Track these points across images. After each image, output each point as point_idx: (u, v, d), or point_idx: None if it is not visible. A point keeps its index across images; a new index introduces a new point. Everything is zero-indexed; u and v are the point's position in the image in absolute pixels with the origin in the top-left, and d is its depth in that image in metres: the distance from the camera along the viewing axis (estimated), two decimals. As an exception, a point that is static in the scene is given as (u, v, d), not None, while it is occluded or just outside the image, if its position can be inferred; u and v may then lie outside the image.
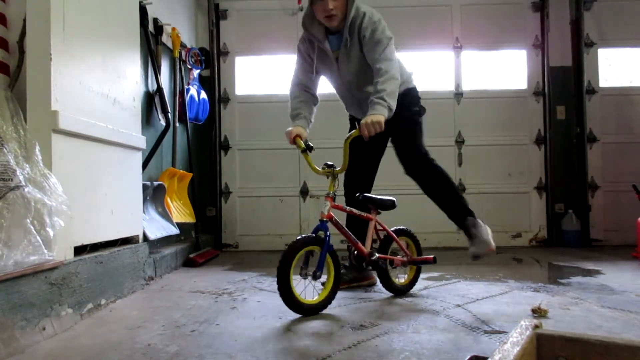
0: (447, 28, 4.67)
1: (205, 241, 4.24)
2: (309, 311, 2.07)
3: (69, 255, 2.04)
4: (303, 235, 2.11)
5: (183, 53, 4.06)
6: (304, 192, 4.68)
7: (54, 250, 1.87)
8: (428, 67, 4.73)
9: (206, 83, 4.56)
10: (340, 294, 2.50)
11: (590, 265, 3.35)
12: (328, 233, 2.16)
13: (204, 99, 4.28)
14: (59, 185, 1.91)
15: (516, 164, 4.65)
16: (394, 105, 2.23)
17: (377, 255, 2.36)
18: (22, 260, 1.69)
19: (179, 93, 3.89)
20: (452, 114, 4.65)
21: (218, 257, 4.09)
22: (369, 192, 2.61)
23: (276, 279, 2.01)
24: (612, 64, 4.74)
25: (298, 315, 2.07)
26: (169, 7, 3.92)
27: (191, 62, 4.23)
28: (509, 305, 2.23)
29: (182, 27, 4.17)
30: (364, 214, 2.42)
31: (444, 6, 4.68)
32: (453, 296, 2.43)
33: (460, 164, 4.62)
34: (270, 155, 4.70)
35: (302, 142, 2.35)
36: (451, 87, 4.69)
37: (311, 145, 2.37)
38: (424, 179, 2.48)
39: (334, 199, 2.27)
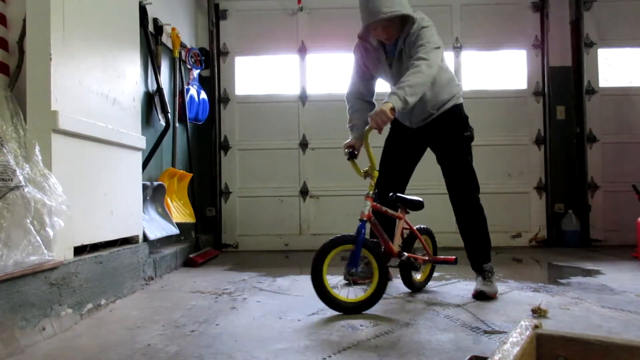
0: (447, 28, 4.66)
1: (205, 241, 4.24)
2: (347, 309, 2.10)
3: (69, 255, 2.04)
4: (332, 240, 2.16)
5: (183, 53, 4.06)
6: (304, 192, 4.68)
7: (53, 251, 1.87)
8: (428, 67, 4.72)
9: (206, 83, 4.56)
10: (341, 294, 2.50)
11: (590, 266, 3.35)
12: (363, 231, 2.19)
13: (203, 99, 4.28)
14: (58, 185, 1.91)
15: (516, 164, 4.65)
16: (411, 100, 2.16)
17: (406, 254, 2.40)
18: (22, 261, 1.69)
19: (179, 93, 3.89)
20: (452, 114, 4.64)
21: (218, 257, 4.09)
22: (402, 193, 2.63)
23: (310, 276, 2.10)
24: (612, 64, 4.74)
25: (297, 316, 2.07)
26: (169, 7, 3.92)
27: (191, 62, 4.23)
28: (509, 305, 2.23)
29: (182, 27, 4.17)
30: (396, 213, 2.46)
31: (444, 6, 4.68)
32: (453, 296, 2.43)
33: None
34: (270, 156, 4.70)
35: (350, 151, 2.49)
36: (451, 87, 4.69)
37: (354, 152, 2.51)
38: (466, 217, 2.52)
39: (374, 199, 2.28)
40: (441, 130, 2.49)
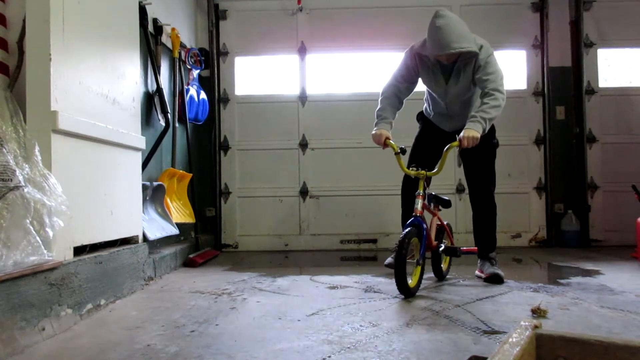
0: (446, 28, 4.66)
1: (205, 241, 4.24)
2: (414, 293, 2.42)
3: (69, 255, 2.04)
4: (407, 231, 2.39)
5: (183, 53, 4.06)
6: (304, 193, 4.67)
7: (53, 251, 1.87)
8: (428, 68, 4.73)
9: (206, 83, 4.56)
10: (340, 295, 2.50)
11: (589, 266, 3.35)
12: (425, 226, 2.51)
13: (203, 99, 4.28)
14: (58, 185, 1.91)
15: (516, 164, 4.65)
16: (487, 129, 2.57)
17: (443, 245, 2.76)
18: (21, 261, 1.69)
19: (179, 93, 3.89)
20: (451, 114, 4.65)
21: (217, 258, 4.09)
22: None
23: (394, 270, 2.37)
24: (612, 64, 4.74)
25: (297, 316, 2.07)
26: (169, 7, 3.92)
27: (191, 63, 4.23)
28: (509, 305, 2.23)
29: (182, 27, 4.17)
30: (432, 210, 2.77)
31: (443, 6, 4.66)
32: (453, 296, 2.43)
33: (460, 164, 4.62)
34: (270, 156, 4.70)
35: (395, 145, 2.66)
36: (451, 88, 4.69)
37: (404, 148, 2.70)
38: (483, 212, 2.89)
39: (424, 198, 2.58)
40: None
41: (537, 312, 2.03)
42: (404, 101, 2.86)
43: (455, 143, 2.54)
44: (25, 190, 1.77)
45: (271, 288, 2.70)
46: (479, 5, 4.67)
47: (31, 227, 1.76)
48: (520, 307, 2.18)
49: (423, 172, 2.58)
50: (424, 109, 3.08)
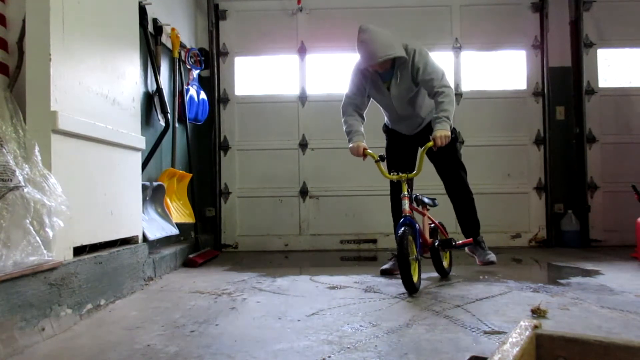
0: (446, 28, 4.67)
1: (205, 241, 4.24)
2: (418, 288, 2.53)
3: (69, 255, 2.04)
4: (402, 230, 2.49)
5: (182, 53, 4.06)
6: (304, 193, 4.68)
7: (53, 251, 1.87)
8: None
9: (206, 83, 4.56)
10: (340, 295, 2.50)
11: (589, 266, 3.35)
12: (416, 223, 2.66)
13: (203, 100, 4.28)
14: (58, 185, 1.91)
15: (516, 164, 4.65)
16: (452, 125, 2.76)
17: (437, 242, 2.88)
18: (21, 261, 1.69)
19: (179, 93, 3.89)
20: (451, 114, 4.65)
21: (217, 258, 4.09)
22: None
23: (399, 269, 2.46)
24: (612, 64, 4.74)
25: (297, 316, 2.07)
26: (169, 7, 3.92)
27: (190, 63, 4.23)
28: (509, 305, 2.23)
29: (182, 27, 4.17)
30: (421, 210, 2.92)
31: (443, 6, 4.68)
32: (453, 296, 2.43)
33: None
34: (269, 156, 4.70)
35: (374, 153, 2.81)
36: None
37: (383, 155, 2.87)
38: (460, 198, 3.03)
39: (410, 199, 2.73)
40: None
41: (537, 312, 2.03)
42: (364, 115, 3.03)
43: (430, 143, 2.69)
44: (25, 190, 1.77)
45: (271, 288, 2.70)
46: (478, 5, 4.67)
47: (31, 227, 1.76)
48: (520, 307, 2.18)
49: (404, 174, 2.74)
50: (385, 120, 3.25)
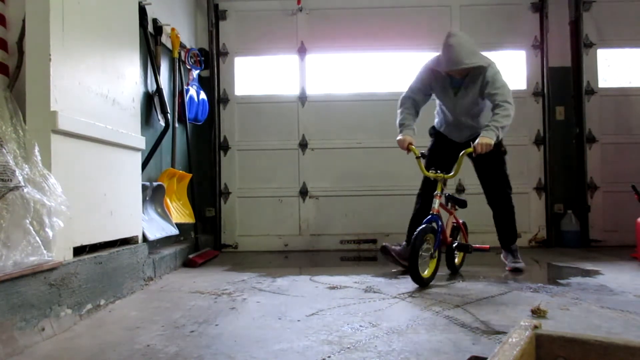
0: (446, 28, 4.65)
1: (205, 242, 4.24)
2: (427, 283, 2.63)
3: (68, 255, 2.04)
4: (423, 227, 2.61)
5: (182, 53, 4.06)
6: (304, 193, 4.67)
7: (53, 251, 1.87)
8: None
9: (205, 83, 4.56)
10: (340, 295, 2.50)
11: (589, 266, 3.35)
12: (440, 223, 2.75)
13: (203, 100, 4.28)
14: (58, 185, 1.91)
15: (515, 164, 4.62)
16: (501, 137, 2.85)
17: (457, 242, 2.99)
18: (21, 261, 1.69)
19: (179, 93, 3.89)
20: (451, 114, 4.65)
21: (217, 258, 4.09)
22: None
23: (408, 263, 2.59)
24: (611, 64, 4.73)
25: (297, 316, 2.07)
26: (169, 7, 3.92)
27: (190, 63, 4.23)
28: (509, 305, 2.23)
29: (182, 27, 4.16)
30: (449, 209, 3.02)
31: (443, 6, 4.67)
32: (453, 296, 2.43)
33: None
34: (269, 156, 4.70)
35: (416, 149, 2.89)
36: (450, 88, 4.69)
37: (425, 153, 3.01)
38: (502, 211, 3.16)
39: (441, 198, 2.82)
40: None
41: (537, 313, 2.03)
42: (420, 112, 3.13)
43: (470, 149, 2.77)
44: (25, 190, 1.77)
45: (271, 288, 2.70)
46: (479, 6, 4.67)
47: (31, 227, 1.76)
48: (520, 307, 2.19)
49: (441, 174, 2.83)
50: (435, 122, 3.30)
